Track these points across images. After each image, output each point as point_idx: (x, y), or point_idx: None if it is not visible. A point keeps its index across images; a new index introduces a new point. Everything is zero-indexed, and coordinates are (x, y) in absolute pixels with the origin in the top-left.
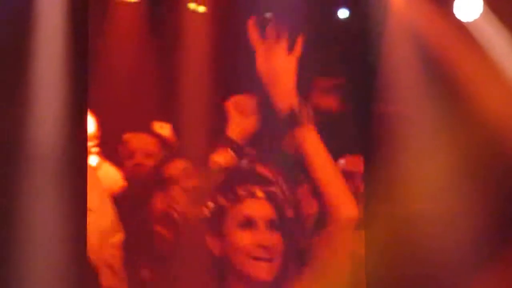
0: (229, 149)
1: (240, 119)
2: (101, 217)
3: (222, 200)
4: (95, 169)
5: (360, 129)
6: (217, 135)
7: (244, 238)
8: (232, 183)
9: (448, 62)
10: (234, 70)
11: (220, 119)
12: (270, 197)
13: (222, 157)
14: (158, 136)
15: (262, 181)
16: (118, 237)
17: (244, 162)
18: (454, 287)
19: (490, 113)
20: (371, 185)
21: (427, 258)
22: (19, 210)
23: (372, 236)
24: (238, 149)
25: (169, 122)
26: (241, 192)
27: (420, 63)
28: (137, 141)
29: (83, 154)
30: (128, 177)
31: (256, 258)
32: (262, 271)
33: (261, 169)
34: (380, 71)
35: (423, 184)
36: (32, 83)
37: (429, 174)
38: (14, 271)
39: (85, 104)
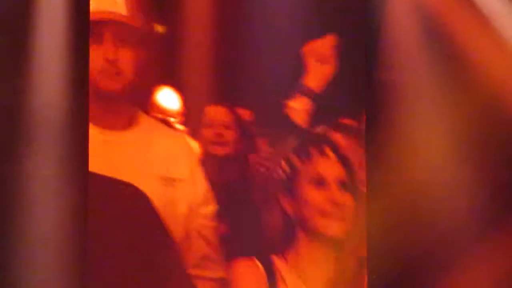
0: (306, 98)
1: (317, 67)
2: (191, 187)
3: (295, 160)
4: (183, 136)
5: (360, 95)
6: (293, 84)
7: (317, 196)
8: (305, 143)
9: (451, 29)
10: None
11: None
12: (342, 159)
13: (299, 104)
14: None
15: (333, 144)
16: (211, 208)
17: (320, 128)
18: (456, 252)
19: (492, 81)
20: (372, 152)
21: (430, 224)
22: (20, 177)
23: (374, 202)
24: (315, 97)
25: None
26: (313, 151)
27: (423, 30)
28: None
29: (85, 120)
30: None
31: (329, 215)
32: (335, 228)
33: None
34: (383, 37)
35: (426, 152)
36: (34, 54)
37: (433, 142)
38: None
39: (86, 76)
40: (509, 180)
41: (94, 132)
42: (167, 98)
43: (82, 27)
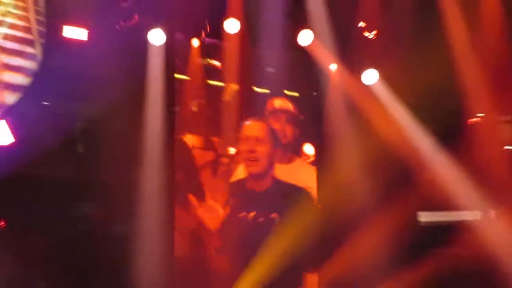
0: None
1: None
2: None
3: None
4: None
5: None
6: None
7: None
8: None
9: (361, 107)
10: None
11: None
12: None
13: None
14: None
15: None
16: None
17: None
18: (363, 217)
19: (382, 134)
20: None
21: (350, 203)
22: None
23: (322, 195)
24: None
25: None
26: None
27: (346, 108)
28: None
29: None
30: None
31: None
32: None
33: None
34: (325, 113)
35: (348, 167)
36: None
37: (351, 162)
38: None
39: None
40: (388, 182)
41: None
42: (308, 149)
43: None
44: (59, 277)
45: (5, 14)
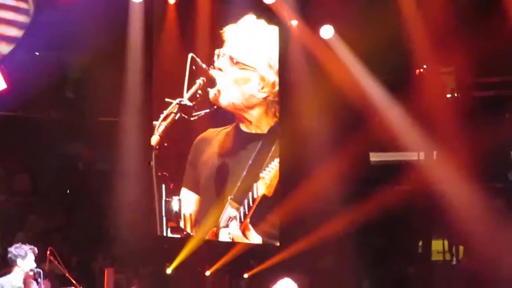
0: None
1: None
2: None
3: None
4: None
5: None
6: None
7: None
8: None
9: (319, 59)
10: None
11: None
12: None
13: None
14: None
15: None
16: None
17: None
18: (319, 160)
19: (338, 83)
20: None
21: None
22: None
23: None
24: None
25: None
26: None
27: (308, 62)
28: None
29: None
30: None
31: None
32: None
33: None
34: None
35: (309, 119)
36: None
37: (313, 116)
38: None
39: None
40: (343, 126)
41: None
42: None
43: None
44: (47, 209)
45: None
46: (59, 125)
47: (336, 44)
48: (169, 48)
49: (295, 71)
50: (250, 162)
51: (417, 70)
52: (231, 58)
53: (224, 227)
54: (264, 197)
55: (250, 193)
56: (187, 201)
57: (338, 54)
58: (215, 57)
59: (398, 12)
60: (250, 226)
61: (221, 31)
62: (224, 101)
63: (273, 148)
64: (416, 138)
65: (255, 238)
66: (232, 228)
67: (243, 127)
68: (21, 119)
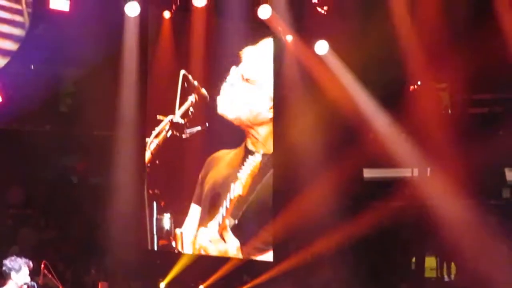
0: None
1: None
2: None
3: None
4: None
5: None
6: None
7: None
8: None
9: (314, 74)
10: None
11: None
12: None
13: None
14: None
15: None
16: None
17: None
18: (316, 171)
19: (332, 98)
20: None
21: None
22: None
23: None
24: None
25: None
26: None
27: (302, 77)
28: None
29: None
30: None
31: None
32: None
33: None
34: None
35: (305, 134)
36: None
37: (306, 125)
38: None
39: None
40: (336, 142)
41: None
42: None
43: None
44: (41, 222)
45: None
46: (53, 139)
47: (331, 60)
48: (164, 63)
49: (289, 86)
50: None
51: (412, 86)
52: (242, 75)
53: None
54: (239, 197)
55: (228, 194)
56: (193, 214)
57: (332, 70)
58: (230, 73)
59: (393, 28)
60: (228, 228)
61: (239, 52)
62: (231, 115)
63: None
64: (409, 155)
65: (232, 240)
66: (212, 231)
67: (250, 145)
68: (15, 132)
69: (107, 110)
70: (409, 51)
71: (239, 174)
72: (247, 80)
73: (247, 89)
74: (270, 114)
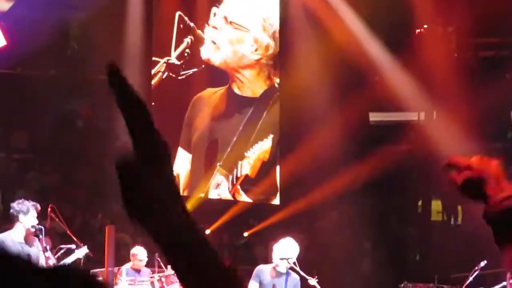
0: None
1: None
2: None
3: None
4: None
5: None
6: None
7: None
8: None
9: (322, 19)
10: None
11: None
12: None
13: None
14: None
15: None
16: None
17: None
18: (322, 117)
19: (339, 42)
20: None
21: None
22: None
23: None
24: None
25: None
26: None
27: (308, 20)
28: None
29: None
30: None
31: None
32: None
33: None
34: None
35: (311, 78)
36: None
37: (314, 72)
38: None
39: None
40: (343, 85)
41: None
42: None
43: None
44: (45, 167)
45: None
46: (58, 83)
47: (337, 3)
48: (164, 5)
49: (295, 30)
50: (241, 128)
51: (418, 30)
52: (225, 18)
53: (213, 189)
54: (247, 177)
55: (240, 163)
56: (182, 160)
57: (339, 13)
58: (211, 15)
59: None
60: (241, 191)
61: None
62: (217, 59)
63: (264, 114)
64: (416, 98)
65: (243, 198)
66: (223, 190)
67: (236, 89)
68: (20, 77)
69: (113, 54)
70: None
71: (247, 153)
72: (231, 23)
73: (231, 32)
74: (255, 56)
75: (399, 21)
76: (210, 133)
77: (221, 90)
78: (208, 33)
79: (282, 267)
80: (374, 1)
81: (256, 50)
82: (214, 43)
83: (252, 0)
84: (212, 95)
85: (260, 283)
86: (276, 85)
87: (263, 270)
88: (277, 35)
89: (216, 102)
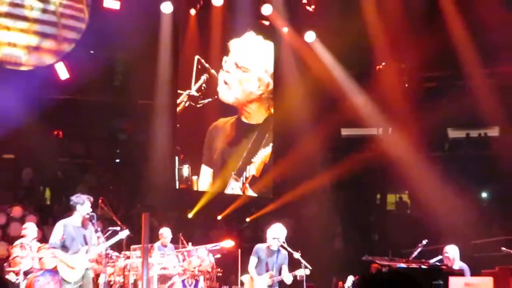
0: None
1: None
2: None
3: None
4: None
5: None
6: None
7: None
8: None
9: (304, 57)
10: None
11: None
12: None
13: None
14: None
15: None
16: None
17: None
18: (305, 131)
19: (318, 75)
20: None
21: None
22: None
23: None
24: None
25: None
26: None
27: (295, 61)
28: None
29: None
30: None
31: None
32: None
33: None
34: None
35: (298, 103)
36: None
37: (298, 94)
38: None
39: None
40: (321, 107)
41: None
42: None
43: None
44: (98, 169)
45: None
46: (107, 106)
47: (317, 46)
48: (187, 49)
49: (286, 68)
50: (249, 146)
51: (378, 66)
52: (236, 64)
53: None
54: (253, 176)
55: (248, 167)
56: (205, 174)
57: (318, 53)
58: (223, 62)
59: (363, 21)
60: (248, 188)
61: (228, 43)
62: (230, 98)
63: (266, 136)
64: (376, 117)
65: (250, 193)
66: (235, 189)
67: (244, 119)
68: (79, 101)
69: (148, 85)
70: (376, 39)
71: (253, 159)
72: (241, 67)
73: (241, 75)
74: (259, 92)
75: (364, 60)
76: (225, 154)
77: (231, 119)
78: (221, 76)
79: (274, 246)
80: (344, 45)
81: (259, 87)
82: (226, 83)
83: (255, 48)
84: (224, 125)
85: (258, 258)
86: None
87: (260, 248)
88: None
89: (228, 130)
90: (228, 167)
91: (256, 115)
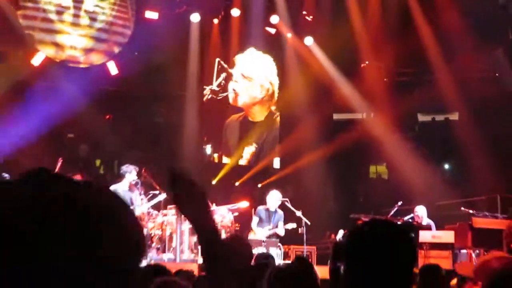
0: None
1: None
2: None
3: None
4: None
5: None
6: None
7: None
8: None
9: (304, 58)
10: None
11: None
12: None
13: None
14: None
15: None
16: None
17: None
18: (304, 117)
19: (315, 73)
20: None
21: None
22: None
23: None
24: None
25: None
26: None
27: (297, 60)
28: None
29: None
30: None
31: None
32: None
33: None
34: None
35: (298, 94)
36: None
37: (299, 89)
38: None
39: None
40: (317, 96)
41: None
42: None
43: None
44: (141, 148)
45: (115, 3)
46: (147, 94)
47: (314, 48)
48: (212, 52)
49: (289, 65)
50: (255, 136)
51: (362, 64)
52: (242, 74)
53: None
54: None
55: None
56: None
57: (315, 54)
58: (232, 74)
59: (351, 27)
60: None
61: (233, 58)
62: (240, 102)
63: (267, 128)
64: (361, 104)
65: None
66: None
67: (249, 118)
68: (126, 92)
69: (180, 80)
70: (361, 42)
71: (258, 144)
72: (246, 77)
73: (247, 83)
74: (261, 96)
75: (352, 58)
76: (239, 144)
77: (240, 117)
78: (231, 86)
79: (272, 207)
80: (336, 46)
81: (261, 92)
82: (235, 91)
83: (256, 61)
84: (236, 120)
85: (259, 218)
86: (273, 110)
87: (261, 209)
88: (273, 81)
89: (239, 126)
90: (242, 145)
91: (259, 114)
